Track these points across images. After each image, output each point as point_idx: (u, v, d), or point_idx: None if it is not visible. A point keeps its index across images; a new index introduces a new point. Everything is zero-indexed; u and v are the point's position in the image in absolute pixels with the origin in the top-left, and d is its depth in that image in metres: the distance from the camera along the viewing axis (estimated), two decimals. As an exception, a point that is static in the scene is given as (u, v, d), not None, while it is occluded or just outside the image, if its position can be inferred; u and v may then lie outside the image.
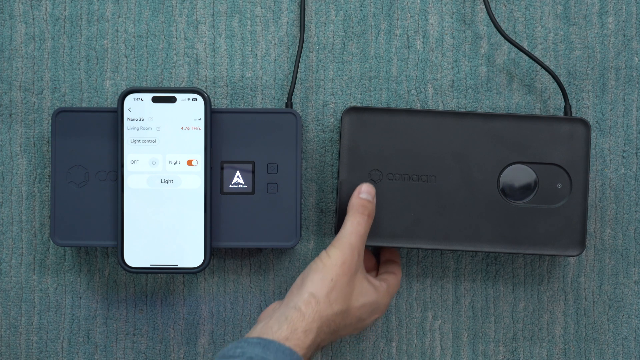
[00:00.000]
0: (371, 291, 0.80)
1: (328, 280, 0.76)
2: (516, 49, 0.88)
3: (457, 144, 0.83)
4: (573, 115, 0.88)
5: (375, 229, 0.83)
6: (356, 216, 0.80)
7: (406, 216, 0.83)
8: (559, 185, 0.83)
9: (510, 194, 0.83)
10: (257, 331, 0.75)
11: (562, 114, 0.87)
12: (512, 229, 0.83)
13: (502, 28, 0.88)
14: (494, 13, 0.88)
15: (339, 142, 0.86)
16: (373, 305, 0.80)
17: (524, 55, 0.88)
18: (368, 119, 0.83)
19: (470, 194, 0.83)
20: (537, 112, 0.88)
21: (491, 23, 0.88)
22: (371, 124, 0.83)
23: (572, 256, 0.84)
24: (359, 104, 0.88)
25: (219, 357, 0.73)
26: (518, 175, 0.83)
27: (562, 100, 0.88)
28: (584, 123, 0.83)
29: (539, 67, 0.88)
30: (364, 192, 0.81)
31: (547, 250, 0.83)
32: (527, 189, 0.83)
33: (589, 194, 0.88)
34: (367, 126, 0.84)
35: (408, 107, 0.88)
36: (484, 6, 0.89)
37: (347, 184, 0.84)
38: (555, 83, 0.88)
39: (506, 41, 0.88)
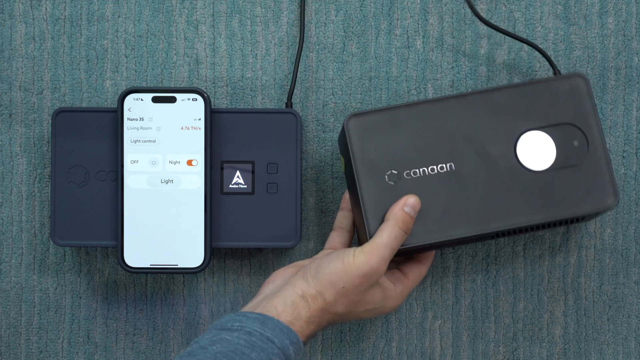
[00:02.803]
0: (379, 297, 0.79)
1: (339, 287, 0.75)
2: (516, 49, 0.88)
3: (465, 126, 0.81)
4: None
5: None
6: (395, 229, 0.77)
7: (434, 210, 0.80)
8: (576, 143, 0.81)
9: (531, 163, 0.81)
10: (258, 306, 0.75)
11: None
12: (542, 196, 0.80)
13: (502, 26, 0.88)
14: (479, 12, 0.88)
15: (345, 151, 0.82)
16: (378, 310, 0.80)
17: (524, 55, 0.88)
18: (371, 123, 0.81)
19: (491, 171, 0.81)
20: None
21: (491, 21, 0.88)
22: (375, 126, 0.81)
23: (610, 209, 0.81)
24: (357, 110, 0.87)
25: (216, 327, 0.72)
26: (533, 142, 0.81)
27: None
28: (582, 77, 0.81)
29: (539, 67, 0.88)
30: (409, 206, 0.78)
31: (583, 208, 0.80)
32: (546, 154, 0.81)
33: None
34: (372, 130, 0.81)
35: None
36: (484, 6, 0.88)
37: (369, 193, 0.80)
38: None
39: (506, 41, 0.88)
